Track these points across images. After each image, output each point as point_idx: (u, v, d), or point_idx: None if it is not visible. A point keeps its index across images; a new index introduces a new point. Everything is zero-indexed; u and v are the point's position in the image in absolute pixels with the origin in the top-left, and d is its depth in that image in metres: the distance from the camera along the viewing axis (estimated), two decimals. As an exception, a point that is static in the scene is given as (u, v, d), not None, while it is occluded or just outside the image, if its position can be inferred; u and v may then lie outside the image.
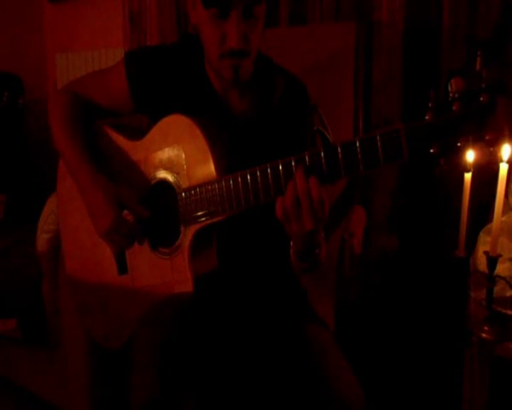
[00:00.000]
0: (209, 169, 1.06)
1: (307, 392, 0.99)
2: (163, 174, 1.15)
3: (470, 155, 1.15)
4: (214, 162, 1.05)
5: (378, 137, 0.84)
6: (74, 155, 1.19)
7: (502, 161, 1.14)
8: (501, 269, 1.24)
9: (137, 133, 1.21)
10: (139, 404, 0.97)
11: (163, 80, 1.19)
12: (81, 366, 1.53)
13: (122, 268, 1.23)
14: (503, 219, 1.31)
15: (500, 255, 1.18)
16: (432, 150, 0.81)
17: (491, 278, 1.19)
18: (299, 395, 1.00)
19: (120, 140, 1.24)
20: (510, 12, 1.56)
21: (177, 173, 1.12)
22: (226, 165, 1.06)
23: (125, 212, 1.15)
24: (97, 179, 1.16)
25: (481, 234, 1.42)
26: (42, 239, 1.63)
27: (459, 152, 0.81)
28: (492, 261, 1.18)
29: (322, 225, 0.95)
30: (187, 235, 1.10)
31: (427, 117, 0.82)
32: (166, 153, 1.13)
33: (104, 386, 1.52)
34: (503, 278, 1.24)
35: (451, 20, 1.65)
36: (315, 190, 0.89)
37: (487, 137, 0.78)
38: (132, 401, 0.99)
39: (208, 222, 1.07)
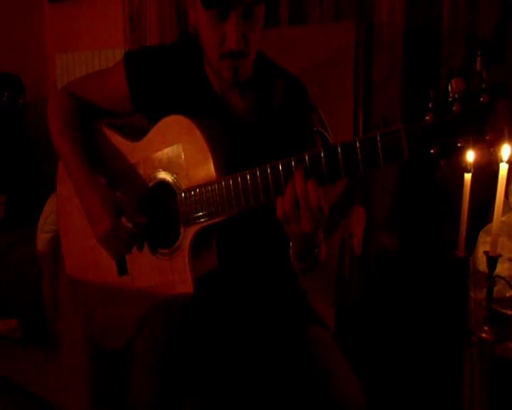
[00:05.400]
0: (209, 170, 1.06)
1: (307, 392, 0.99)
2: (162, 175, 1.15)
3: (470, 156, 1.15)
4: (214, 163, 1.05)
5: (378, 138, 0.84)
6: (72, 158, 1.19)
7: (502, 161, 1.14)
8: (501, 269, 1.24)
9: (137, 134, 1.21)
10: (139, 404, 0.97)
11: (162, 81, 1.19)
12: (81, 366, 1.53)
13: (122, 270, 1.22)
14: (503, 219, 1.31)
15: (500, 255, 1.18)
16: (432, 151, 0.81)
17: (491, 278, 1.19)
18: (300, 396, 1.00)
19: (120, 141, 1.24)
20: (510, 12, 1.55)
21: (177, 174, 1.12)
22: (226, 165, 1.06)
23: (123, 217, 1.15)
24: (95, 183, 1.16)
25: (481, 234, 1.41)
26: (42, 239, 1.63)
27: (459, 152, 0.81)
28: (492, 261, 1.17)
29: (321, 226, 0.95)
30: (187, 236, 1.10)
31: (427, 117, 0.82)
32: (166, 153, 1.13)
33: (104, 386, 1.52)
34: (503, 278, 1.23)
35: (451, 20, 1.65)
36: (313, 193, 0.89)
37: (487, 138, 0.78)
38: (132, 401, 0.99)
39: (208, 223, 1.07)
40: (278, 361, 1.07)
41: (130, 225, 1.16)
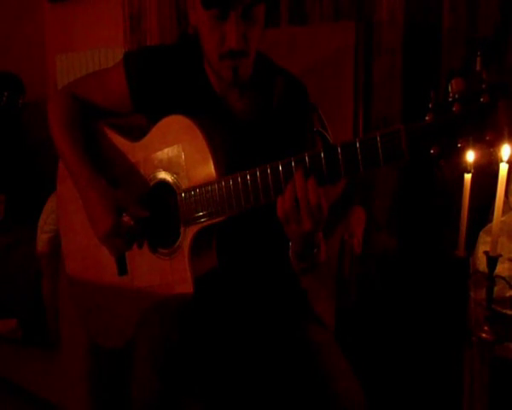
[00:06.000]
0: (209, 169, 1.06)
1: (307, 392, 0.99)
2: (163, 175, 1.15)
3: (470, 156, 1.15)
4: (214, 163, 1.05)
5: (378, 138, 0.84)
6: (73, 158, 1.19)
7: (502, 161, 1.14)
8: (501, 269, 1.24)
9: (137, 134, 1.21)
10: (139, 404, 0.97)
11: (162, 81, 1.19)
12: (81, 366, 1.53)
13: (122, 271, 1.23)
14: (503, 219, 1.31)
15: (500, 255, 1.18)
16: (432, 151, 0.81)
17: (491, 278, 1.19)
18: (300, 395, 1.00)
19: (120, 141, 1.24)
20: (510, 12, 1.55)
21: (177, 174, 1.12)
22: (226, 165, 1.06)
23: (124, 215, 1.15)
24: (96, 183, 1.16)
25: (481, 234, 1.41)
26: (42, 239, 1.63)
27: (459, 153, 0.81)
28: (492, 261, 1.18)
29: (320, 226, 0.95)
30: (187, 235, 1.10)
31: (427, 117, 0.82)
32: (166, 153, 1.13)
33: (104, 386, 1.52)
34: (503, 278, 1.23)
35: (451, 20, 1.65)
36: (313, 193, 0.90)
37: (487, 138, 0.78)
38: (132, 402, 0.99)
39: (208, 223, 1.07)
40: (278, 361, 1.07)
41: (131, 223, 1.16)
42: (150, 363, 0.98)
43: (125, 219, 1.15)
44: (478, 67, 0.79)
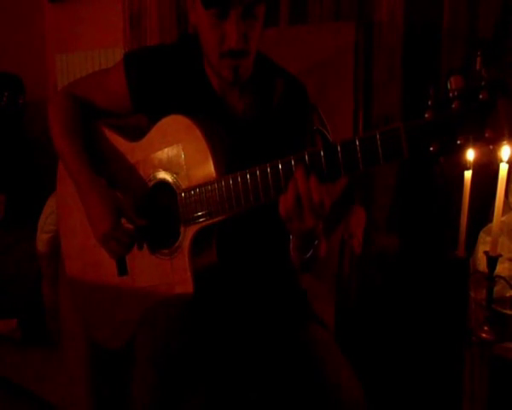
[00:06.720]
0: (209, 169, 1.06)
1: (307, 391, 0.99)
2: (162, 175, 1.15)
3: (470, 154, 1.15)
4: (214, 162, 1.05)
5: (378, 136, 0.84)
6: (73, 158, 1.19)
7: (502, 161, 1.14)
8: (501, 269, 1.24)
9: (137, 134, 1.21)
10: (140, 404, 0.97)
11: (162, 81, 1.19)
12: (81, 366, 1.53)
13: (122, 271, 1.22)
14: (503, 219, 1.31)
15: (500, 255, 1.18)
16: (431, 148, 0.81)
17: (491, 278, 1.19)
18: (300, 394, 1.00)
19: (119, 141, 1.24)
20: (510, 12, 1.55)
21: (177, 174, 1.12)
22: (226, 165, 1.06)
23: (123, 219, 1.16)
24: (96, 184, 1.16)
25: (481, 234, 1.41)
26: (42, 239, 1.63)
27: (459, 150, 0.80)
28: (492, 261, 1.18)
29: (322, 220, 0.95)
30: (187, 235, 1.10)
31: (426, 115, 0.82)
32: (166, 153, 1.13)
33: (104, 386, 1.52)
34: (503, 278, 1.23)
35: (451, 20, 1.65)
36: (315, 190, 0.89)
37: (487, 135, 0.77)
38: (133, 401, 0.99)
39: (208, 222, 1.07)
40: (278, 360, 1.07)
41: (130, 226, 1.16)
42: (151, 363, 0.98)
43: (125, 221, 1.15)
44: (478, 67, 0.79)
